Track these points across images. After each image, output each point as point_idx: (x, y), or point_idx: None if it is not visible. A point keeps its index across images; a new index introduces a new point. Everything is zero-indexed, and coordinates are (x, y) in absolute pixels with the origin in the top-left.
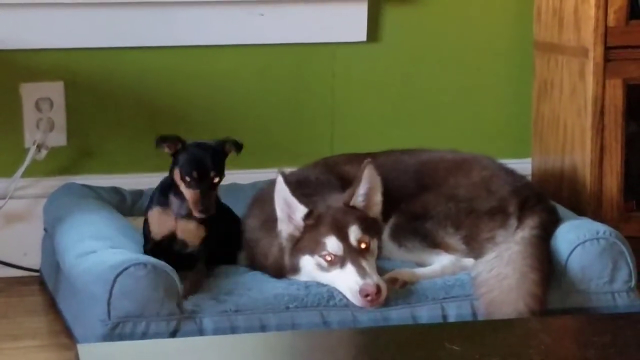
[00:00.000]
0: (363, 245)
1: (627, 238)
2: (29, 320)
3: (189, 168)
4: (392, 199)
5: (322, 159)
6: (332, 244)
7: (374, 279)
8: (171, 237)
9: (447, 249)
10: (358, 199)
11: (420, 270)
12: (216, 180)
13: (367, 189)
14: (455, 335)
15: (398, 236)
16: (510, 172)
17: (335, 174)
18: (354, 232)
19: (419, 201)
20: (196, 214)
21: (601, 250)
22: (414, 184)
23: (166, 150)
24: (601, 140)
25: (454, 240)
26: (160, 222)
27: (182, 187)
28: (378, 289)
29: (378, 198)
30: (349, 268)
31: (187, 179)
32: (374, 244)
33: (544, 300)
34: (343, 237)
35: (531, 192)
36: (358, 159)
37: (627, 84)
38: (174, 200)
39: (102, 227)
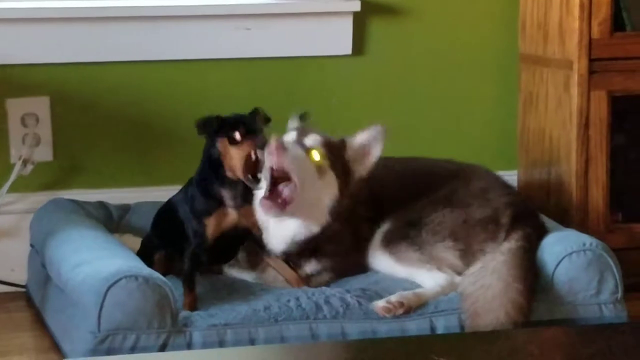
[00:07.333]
0: None
1: (612, 250)
2: (16, 336)
3: (235, 126)
4: (384, 208)
5: None
6: None
7: None
8: (230, 230)
9: (440, 263)
10: (355, 142)
11: (424, 294)
12: (261, 142)
13: (367, 141)
14: (443, 347)
15: (390, 243)
16: (507, 186)
17: None
18: None
19: (415, 207)
20: (245, 178)
21: (588, 262)
22: (409, 191)
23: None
24: (586, 152)
25: (450, 255)
26: (219, 223)
27: (231, 152)
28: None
29: (373, 158)
30: None
31: (237, 135)
32: None
33: (528, 311)
34: None
35: (524, 207)
36: None
37: (611, 96)
38: (226, 193)
39: (97, 239)
